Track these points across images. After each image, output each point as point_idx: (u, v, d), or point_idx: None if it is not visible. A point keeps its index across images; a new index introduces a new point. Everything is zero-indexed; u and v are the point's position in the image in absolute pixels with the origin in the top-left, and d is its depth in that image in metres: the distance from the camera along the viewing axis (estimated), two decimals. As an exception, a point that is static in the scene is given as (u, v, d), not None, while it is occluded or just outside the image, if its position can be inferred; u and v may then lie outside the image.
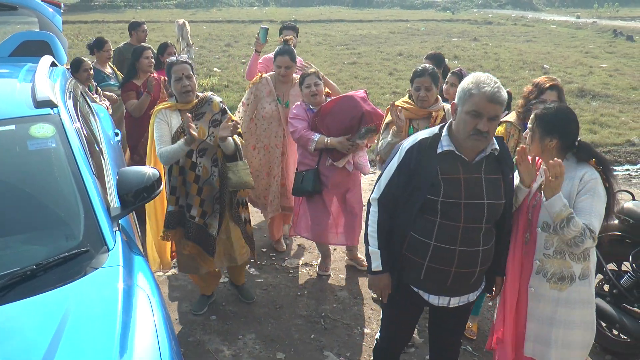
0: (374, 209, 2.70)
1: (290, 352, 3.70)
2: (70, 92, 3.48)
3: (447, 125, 2.60)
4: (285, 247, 5.11)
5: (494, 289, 2.88)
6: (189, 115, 3.55)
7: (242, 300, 4.20)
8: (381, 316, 3.01)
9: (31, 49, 4.19)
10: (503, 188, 2.58)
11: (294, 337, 3.85)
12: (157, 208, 3.95)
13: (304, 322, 4.04)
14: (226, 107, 3.87)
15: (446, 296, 2.66)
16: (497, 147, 2.56)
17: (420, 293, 2.68)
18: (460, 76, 4.50)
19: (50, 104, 2.83)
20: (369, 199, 2.76)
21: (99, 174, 2.88)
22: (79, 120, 3.09)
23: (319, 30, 23.45)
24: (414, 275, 2.64)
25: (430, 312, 2.94)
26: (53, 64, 3.76)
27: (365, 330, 3.94)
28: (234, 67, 14.24)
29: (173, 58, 3.72)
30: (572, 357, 2.77)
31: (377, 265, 2.70)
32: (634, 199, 3.58)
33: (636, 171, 7.67)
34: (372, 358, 3.31)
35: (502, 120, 3.54)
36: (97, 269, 2.22)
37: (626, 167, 7.77)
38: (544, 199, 2.58)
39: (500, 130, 3.48)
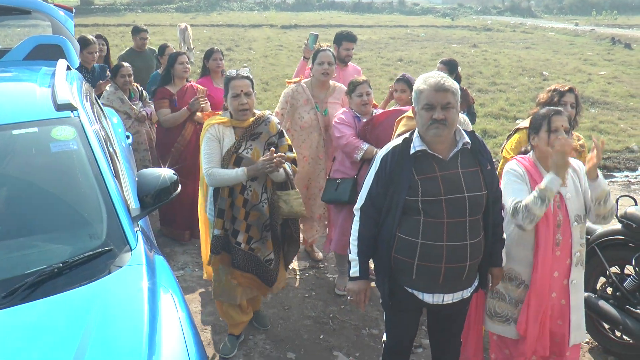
0: (356, 218, 2.80)
1: (300, 352, 3.76)
2: (86, 95, 3.56)
3: (416, 129, 2.70)
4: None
5: (490, 284, 2.94)
6: (272, 149, 3.33)
7: (256, 326, 3.98)
8: (384, 320, 3.09)
9: (44, 53, 4.25)
10: (482, 179, 2.66)
11: (304, 338, 3.92)
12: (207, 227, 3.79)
13: (313, 322, 4.11)
14: (284, 130, 3.67)
15: (440, 293, 2.71)
16: (469, 141, 2.65)
17: (414, 293, 2.73)
18: (406, 81, 4.50)
19: (70, 107, 2.90)
20: (353, 209, 2.85)
21: (117, 176, 2.95)
22: (97, 123, 3.16)
23: (319, 35, 23.53)
24: (406, 276, 2.70)
25: (428, 314, 3.00)
26: (67, 68, 3.83)
27: (373, 331, 4.00)
28: (236, 72, 14.31)
29: (233, 71, 3.48)
30: None
31: (354, 271, 2.80)
32: (636, 204, 3.66)
33: (635, 177, 7.77)
34: (381, 359, 3.38)
35: (520, 127, 3.62)
36: (121, 267, 2.29)
37: (625, 173, 7.85)
38: (589, 182, 2.87)
39: (520, 137, 3.56)
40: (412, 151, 2.63)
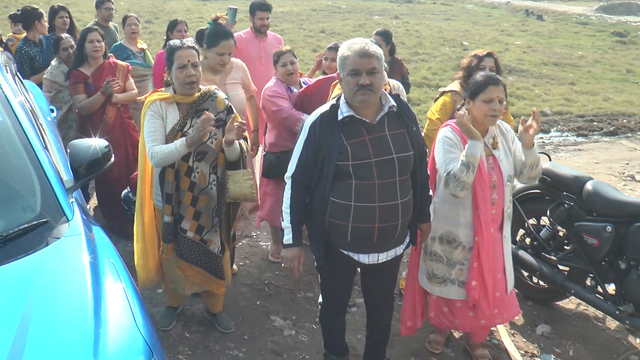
0: (287, 186, 2.85)
1: (238, 319, 3.82)
2: (6, 66, 3.40)
3: (342, 95, 2.76)
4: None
5: (419, 240, 3.07)
6: (207, 113, 3.07)
7: (219, 330, 3.68)
8: (319, 282, 3.18)
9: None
10: (409, 140, 2.76)
11: (241, 305, 3.99)
12: (146, 222, 3.41)
13: (249, 290, 4.18)
14: (232, 105, 3.42)
15: (375, 253, 2.82)
16: (395, 104, 2.74)
17: (350, 255, 2.82)
18: (337, 50, 4.58)
19: None
20: (284, 178, 2.88)
21: (46, 147, 2.86)
22: (21, 95, 3.05)
23: (238, 7, 23.11)
24: (341, 239, 2.78)
25: (362, 273, 3.10)
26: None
27: (308, 294, 4.12)
28: (157, 44, 13.85)
29: (177, 41, 3.20)
30: None
31: (288, 238, 2.85)
32: (550, 160, 3.94)
33: (549, 138, 8.46)
34: (317, 320, 3.49)
35: (446, 90, 3.79)
36: (59, 238, 2.25)
37: (540, 135, 8.39)
38: (524, 150, 3.09)
39: (445, 99, 3.73)
40: (339, 117, 2.68)
